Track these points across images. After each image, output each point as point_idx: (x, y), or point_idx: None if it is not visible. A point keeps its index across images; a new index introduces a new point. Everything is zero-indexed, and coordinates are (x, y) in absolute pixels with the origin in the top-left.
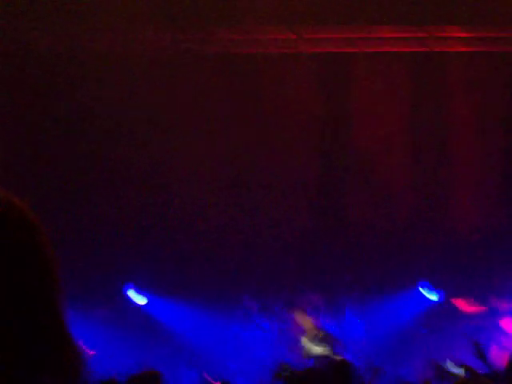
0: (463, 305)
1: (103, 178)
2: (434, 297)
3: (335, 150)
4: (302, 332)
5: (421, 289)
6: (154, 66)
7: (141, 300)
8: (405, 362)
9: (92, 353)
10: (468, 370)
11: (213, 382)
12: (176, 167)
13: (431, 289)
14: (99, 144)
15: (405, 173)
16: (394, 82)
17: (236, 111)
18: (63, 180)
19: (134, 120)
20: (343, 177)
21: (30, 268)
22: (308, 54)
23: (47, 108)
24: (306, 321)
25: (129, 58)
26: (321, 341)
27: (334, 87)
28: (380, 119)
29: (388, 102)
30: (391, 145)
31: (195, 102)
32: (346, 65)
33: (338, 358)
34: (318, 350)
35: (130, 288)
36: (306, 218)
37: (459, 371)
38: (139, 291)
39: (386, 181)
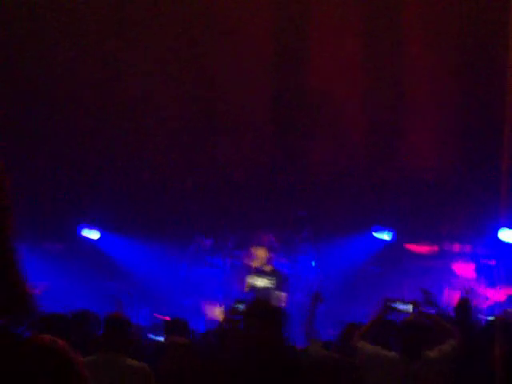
0: (414, 245)
1: (58, 117)
2: (386, 237)
3: (289, 87)
4: (251, 265)
5: (374, 230)
6: None
7: (94, 235)
8: (357, 301)
9: (43, 288)
10: (416, 306)
11: (164, 318)
12: (131, 105)
13: (384, 229)
14: (54, 77)
15: (359, 112)
16: (346, 19)
17: (184, 45)
18: (16, 118)
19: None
20: (298, 116)
21: None
22: None
23: None
24: (258, 253)
25: None
26: (266, 274)
27: (287, 25)
28: (334, 57)
29: (341, 39)
30: (345, 83)
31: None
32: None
33: (280, 294)
34: (260, 282)
35: (84, 223)
36: (260, 156)
37: (407, 307)
38: (93, 227)
39: (340, 120)
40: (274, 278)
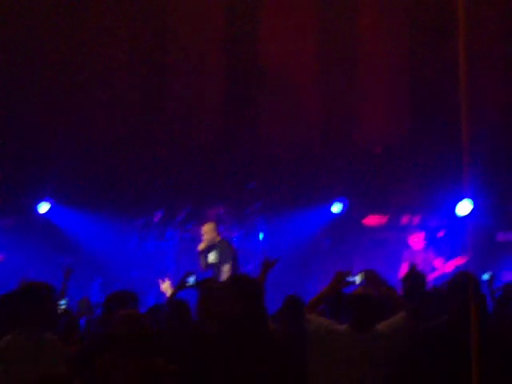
0: (366, 218)
1: (7, 86)
2: (337, 209)
3: (242, 59)
4: (202, 241)
5: (325, 203)
6: None
7: (44, 208)
8: (308, 275)
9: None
10: (366, 277)
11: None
12: (83, 73)
13: (337, 201)
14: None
15: (310, 85)
16: None
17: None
18: None
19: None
20: (248, 88)
21: None
22: None
23: None
24: (205, 229)
25: None
26: (215, 248)
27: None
28: (288, 32)
29: (296, 14)
30: (299, 56)
31: None
32: None
33: (227, 267)
34: (212, 257)
35: (36, 196)
36: (213, 127)
37: (356, 279)
38: (44, 199)
39: (291, 93)
40: (222, 251)
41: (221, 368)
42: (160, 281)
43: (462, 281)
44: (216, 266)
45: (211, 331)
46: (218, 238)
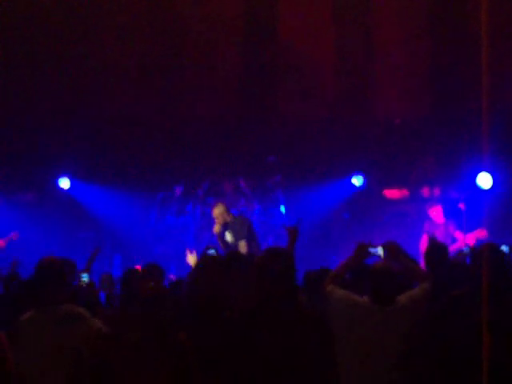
0: (386, 191)
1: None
2: (357, 182)
3: (261, 33)
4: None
5: (345, 176)
6: None
7: (65, 184)
8: (329, 247)
9: (15, 234)
10: (387, 249)
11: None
12: (100, 56)
13: (357, 174)
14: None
15: (328, 61)
16: None
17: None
18: None
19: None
20: (266, 64)
21: None
22: None
23: None
24: (215, 212)
25: None
26: (229, 227)
27: None
28: (306, 7)
29: None
30: (317, 30)
31: None
32: None
33: (242, 243)
34: (227, 237)
35: (56, 173)
36: (233, 101)
37: (377, 251)
38: (63, 176)
39: (310, 69)
40: (236, 229)
41: (249, 342)
42: (187, 251)
43: (486, 252)
44: (234, 245)
45: (239, 306)
46: (230, 217)
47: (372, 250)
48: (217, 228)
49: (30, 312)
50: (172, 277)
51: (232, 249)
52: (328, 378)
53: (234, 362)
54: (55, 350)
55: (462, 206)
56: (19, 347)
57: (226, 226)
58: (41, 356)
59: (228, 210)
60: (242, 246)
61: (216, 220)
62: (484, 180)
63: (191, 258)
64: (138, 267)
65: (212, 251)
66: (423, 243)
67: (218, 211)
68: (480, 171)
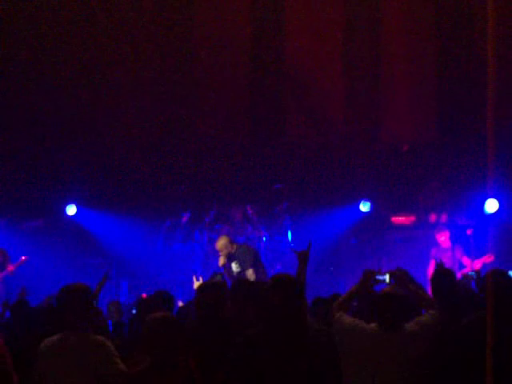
0: (393, 216)
1: (35, 91)
2: (364, 208)
3: (265, 61)
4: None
5: (356, 202)
6: None
7: (73, 210)
8: (337, 274)
9: (24, 258)
10: (393, 276)
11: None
12: (105, 80)
13: (364, 200)
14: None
15: (336, 85)
16: None
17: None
18: None
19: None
20: (274, 90)
21: None
22: None
23: None
24: (219, 245)
25: None
26: (235, 258)
27: None
28: (313, 31)
29: (318, 10)
30: (324, 56)
31: None
32: None
33: (250, 272)
34: (234, 267)
35: (63, 199)
36: (240, 129)
37: (384, 278)
38: (70, 202)
39: (317, 94)
40: (241, 258)
41: (260, 364)
42: (194, 278)
43: (492, 278)
44: (240, 274)
45: (250, 331)
46: (234, 247)
47: (379, 277)
48: (222, 260)
49: (57, 336)
50: (180, 303)
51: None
52: None
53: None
54: (76, 375)
55: (469, 231)
56: (41, 370)
57: (231, 257)
58: (62, 379)
59: (231, 241)
60: (250, 274)
61: (220, 253)
62: (491, 205)
63: (198, 285)
64: (144, 295)
65: (219, 278)
66: (431, 269)
67: (221, 244)
68: (487, 197)
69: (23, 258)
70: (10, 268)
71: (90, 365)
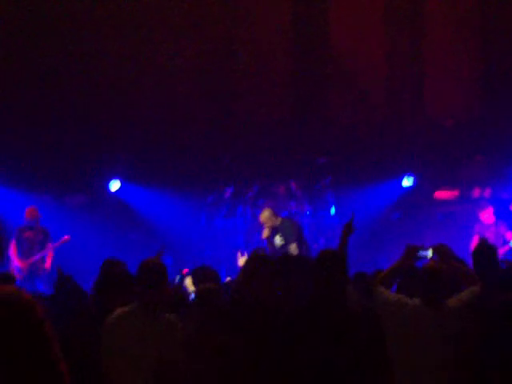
0: (438, 192)
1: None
2: (407, 183)
3: (310, 39)
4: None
5: (399, 177)
6: None
7: (116, 185)
8: (379, 248)
9: (66, 237)
10: (436, 251)
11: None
12: (149, 54)
13: (407, 175)
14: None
15: (379, 61)
16: None
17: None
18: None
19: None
20: (318, 65)
21: None
22: None
23: None
24: (262, 218)
25: None
26: (278, 231)
27: None
28: (355, 14)
29: None
30: (365, 33)
31: None
32: None
33: (293, 246)
34: (277, 241)
35: (107, 175)
36: (284, 103)
37: (427, 253)
38: (115, 178)
39: (361, 69)
40: (285, 232)
41: (298, 342)
42: (239, 253)
43: None
44: (284, 248)
45: (290, 305)
46: (279, 220)
47: (422, 252)
48: (266, 233)
49: (126, 307)
50: (228, 278)
51: (282, 252)
52: (382, 376)
53: (284, 362)
54: (144, 349)
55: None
56: (110, 340)
57: (275, 230)
58: (129, 351)
59: (275, 214)
60: (293, 249)
61: (264, 225)
62: None
63: (242, 261)
64: (185, 270)
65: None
66: (474, 244)
67: (264, 216)
68: None
69: (66, 237)
70: (51, 247)
71: (156, 349)
